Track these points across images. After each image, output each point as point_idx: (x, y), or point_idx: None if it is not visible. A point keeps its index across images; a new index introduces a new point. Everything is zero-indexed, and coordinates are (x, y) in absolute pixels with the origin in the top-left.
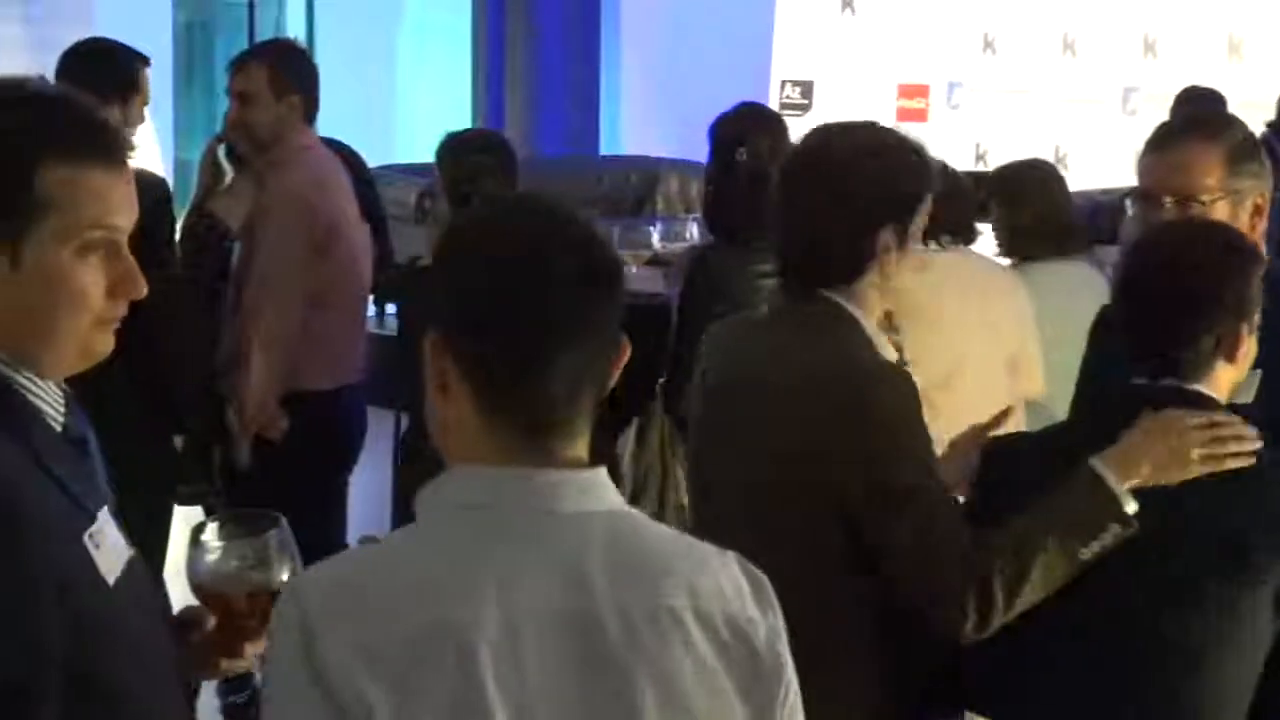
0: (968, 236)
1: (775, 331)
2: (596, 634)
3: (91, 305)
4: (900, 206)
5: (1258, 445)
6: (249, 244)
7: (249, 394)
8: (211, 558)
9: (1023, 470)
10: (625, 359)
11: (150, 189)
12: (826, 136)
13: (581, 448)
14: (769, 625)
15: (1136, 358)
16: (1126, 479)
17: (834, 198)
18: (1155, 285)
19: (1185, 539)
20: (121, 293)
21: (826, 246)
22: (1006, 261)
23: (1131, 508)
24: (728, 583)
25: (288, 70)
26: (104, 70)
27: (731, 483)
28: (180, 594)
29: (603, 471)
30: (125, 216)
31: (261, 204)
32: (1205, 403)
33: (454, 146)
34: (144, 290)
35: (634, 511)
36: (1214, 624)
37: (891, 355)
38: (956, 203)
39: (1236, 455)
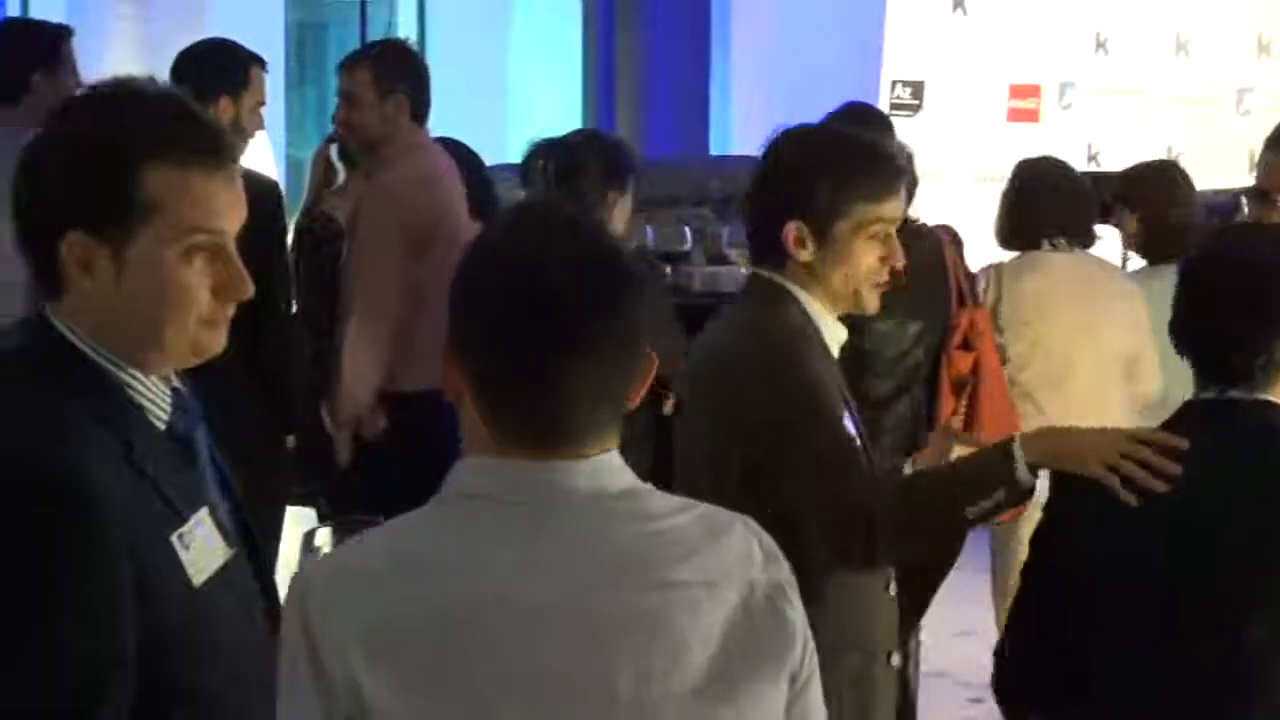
0: (1085, 240)
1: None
2: (601, 614)
3: (196, 307)
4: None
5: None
6: (350, 243)
7: (341, 392)
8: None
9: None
10: (651, 372)
11: (261, 190)
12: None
13: (607, 445)
14: (778, 587)
15: (1202, 366)
16: (1037, 453)
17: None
18: (1226, 289)
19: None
20: (227, 295)
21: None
22: (1140, 262)
23: (1025, 476)
24: (739, 548)
25: (392, 71)
26: (214, 69)
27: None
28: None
29: (614, 454)
30: (230, 219)
31: (360, 203)
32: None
33: (550, 147)
34: (250, 292)
35: (648, 488)
36: None
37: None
38: (1074, 204)
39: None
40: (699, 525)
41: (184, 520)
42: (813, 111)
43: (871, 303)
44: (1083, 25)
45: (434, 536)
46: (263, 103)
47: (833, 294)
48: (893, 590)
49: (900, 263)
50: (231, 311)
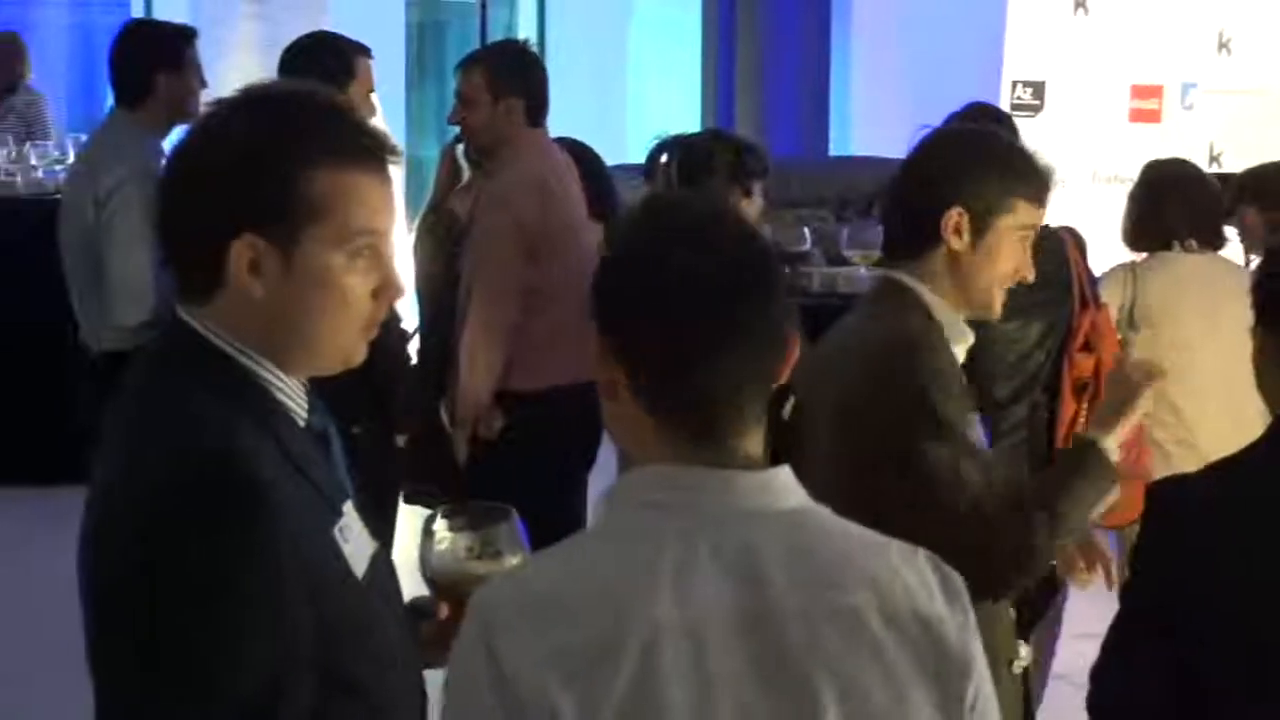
0: (1215, 242)
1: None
2: (776, 634)
3: (358, 309)
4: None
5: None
6: (467, 243)
7: (460, 391)
8: (444, 548)
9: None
10: (795, 354)
11: None
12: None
13: (754, 444)
14: (958, 622)
15: None
16: (1115, 444)
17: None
18: None
19: None
20: (385, 296)
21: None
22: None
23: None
24: (915, 579)
25: (506, 72)
26: (318, 60)
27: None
28: (408, 588)
29: (785, 470)
30: (388, 220)
31: (476, 205)
32: None
33: (676, 145)
34: (404, 293)
35: (819, 509)
36: None
37: (964, 338)
38: (1204, 206)
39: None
40: (872, 549)
41: (339, 514)
42: (933, 112)
43: (999, 307)
44: (1205, 25)
45: (615, 555)
46: (372, 89)
47: (970, 291)
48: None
49: (1030, 275)
50: (383, 315)
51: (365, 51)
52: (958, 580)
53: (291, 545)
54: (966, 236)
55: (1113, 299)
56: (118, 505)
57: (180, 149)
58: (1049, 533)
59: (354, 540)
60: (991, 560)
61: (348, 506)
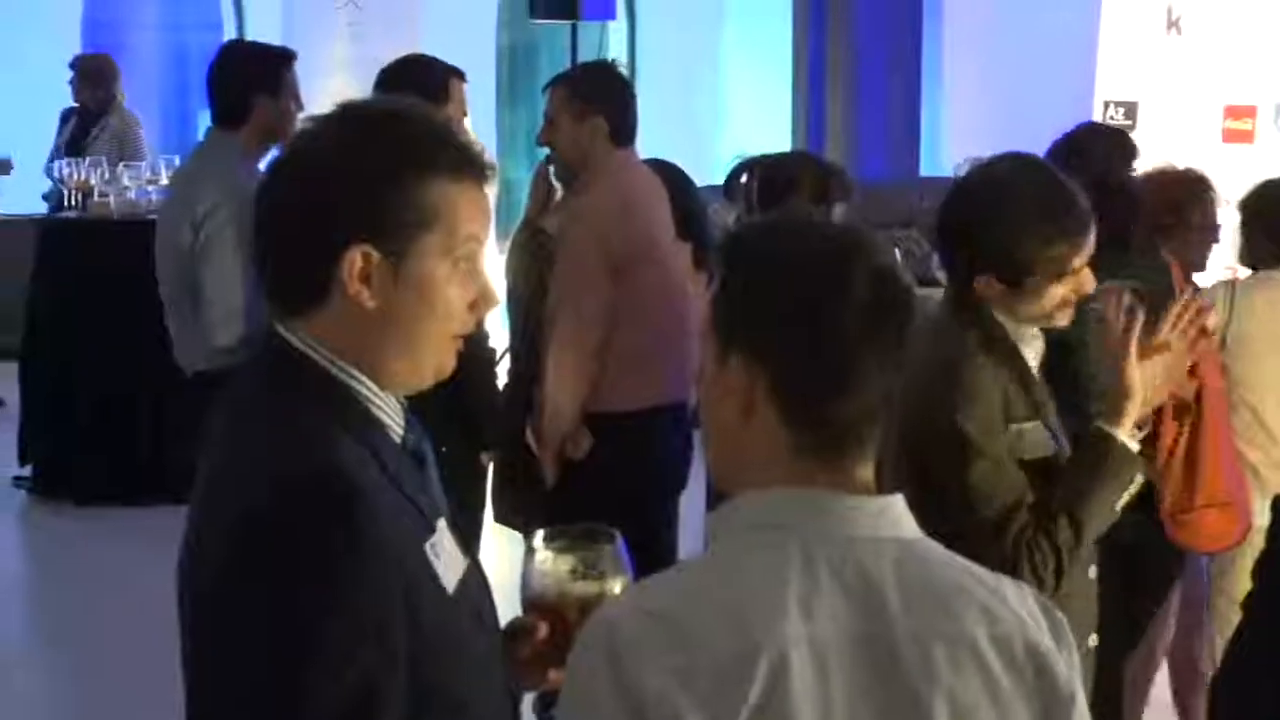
0: None
1: None
2: (893, 660)
3: (457, 319)
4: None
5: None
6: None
7: (545, 414)
8: (545, 569)
9: None
10: None
11: None
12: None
13: (871, 471)
14: (1064, 657)
15: None
16: (1129, 429)
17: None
18: None
19: None
20: (481, 306)
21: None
22: None
23: (1134, 446)
24: (1024, 611)
25: (589, 93)
26: (414, 83)
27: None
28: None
29: (899, 499)
30: (486, 232)
31: (560, 224)
32: None
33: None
34: (498, 303)
35: (929, 540)
36: None
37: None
38: None
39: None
40: (983, 580)
41: (433, 529)
42: (1024, 133)
43: (1065, 319)
44: None
45: (740, 576)
46: (465, 112)
47: (1022, 319)
48: (1092, 574)
49: (1090, 288)
50: (474, 327)
51: (459, 74)
52: (1062, 618)
53: (395, 559)
54: (1000, 292)
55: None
56: (218, 516)
57: (283, 162)
58: (1073, 538)
59: (445, 556)
60: (1019, 573)
61: (441, 523)
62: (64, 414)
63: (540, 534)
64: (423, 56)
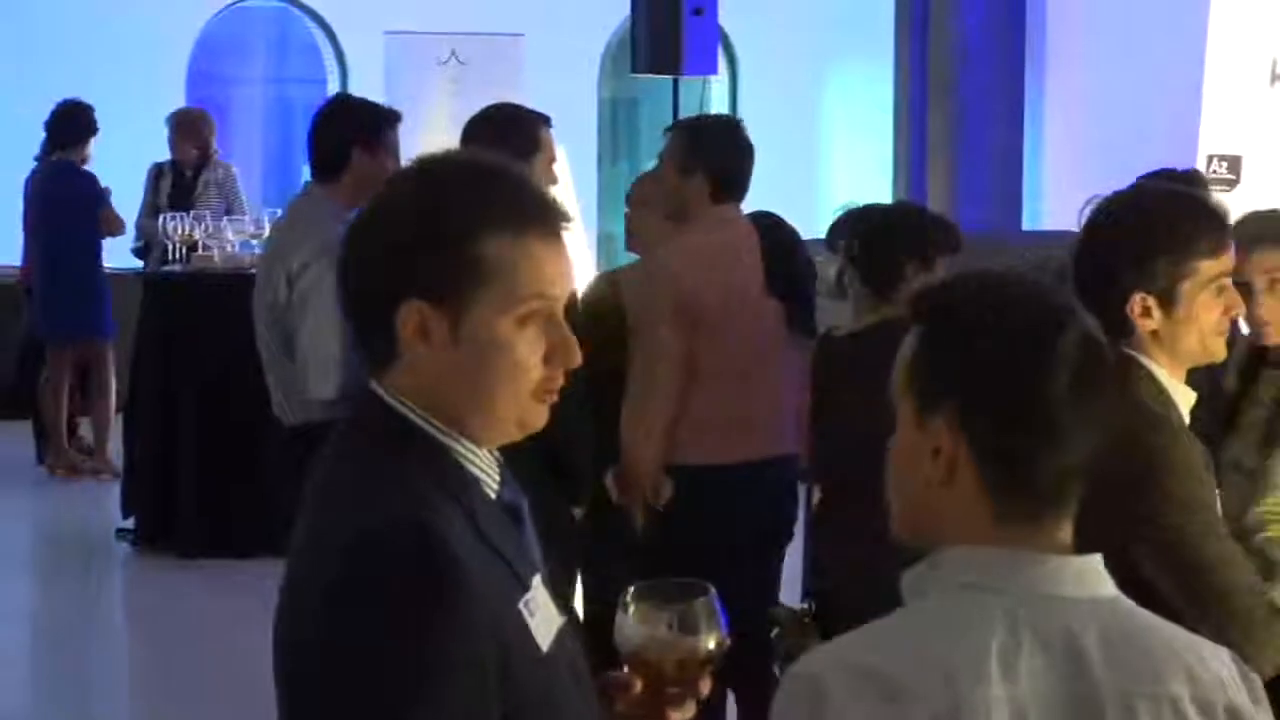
0: None
1: None
2: (1096, 717)
3: (529, 374)
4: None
5: None
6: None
7: (623, 460)
8: (640, 624)
9: None
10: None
11: None
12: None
13: (1069, 532)
14: (1252, 710)
15: None
16: None
17: None
18: None
19: None
20: (559, 361)
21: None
22: None
23: None
24: (1225, 673)
25: (697, 146)
26: (502, 133)
27: None
28: None
29: (1097, 558)
30: (562, 285)
31: (636, 278)
32: None
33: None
34: (579, 359)
35: (1127, 600)
36: None
37: (1187, 400)
38: None
39: None
40: (1185, 641)
41: (527, 588)
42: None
43: (1220, 350)
44: None
45: (944, 633)
46: (554, 159)
47: (1183, 354)
48: None
49: (1241, 310)
50: (561, 381)
51: (545, 121)
52: (1259, 681)
53: (485, 622)
54: (1157, 315)
55: None
56: (307, 575)
57: (357, 218)
58: None
59: (540, 614)
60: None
61: (536, 580)
62: (167, 467)
63: (634, 589)
64: (508, 107)
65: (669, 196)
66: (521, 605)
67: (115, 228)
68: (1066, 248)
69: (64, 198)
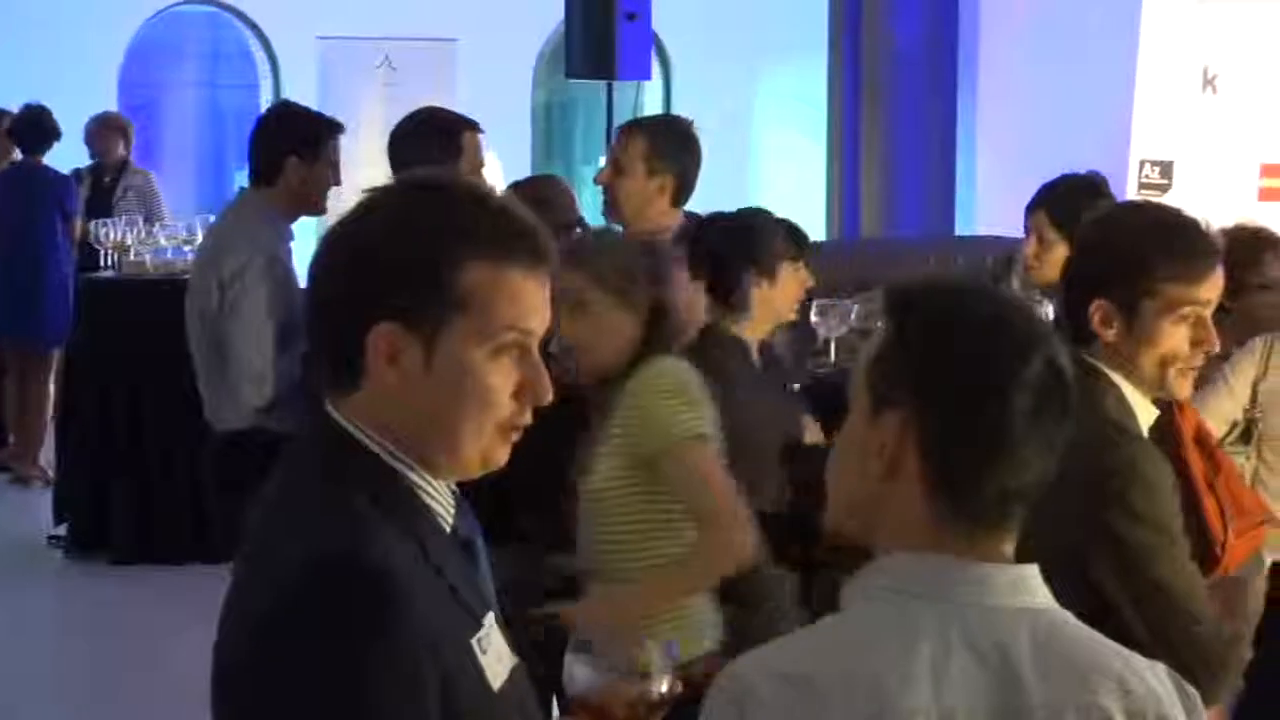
0: None
1: None
2: None
3: (499, 407)
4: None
5: None
6: None
7: None
8: (590, 668)
9: None
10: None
11: None
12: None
13: (1011, 545)
14: None
15: None
16: None
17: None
18: None
19: None
20: (529, 397)
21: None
22: None
23: None
24: (1157, 685)
25: (666, 148)
26: (425, 137)
27: None
28: None
29: (1032, 568)
30: (540, 320)
31: None
32: None
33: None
34: (549, 396)
35: (1061, 610)
36: None
37: (1149, 418)
38: None
39: None
40: (1116, 653)
41: (480, 624)
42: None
43: (1180, 389)
44: None
45: (871, 641)
46: (480, 165)
47: (1141, 377)
48: None
49: (1215, 347)
50: (527, 419)
51: (472, 126)
52: (1194, 692)
53: (430, 652)
54: (1116, 325)
55: (1244, 373)
56: (244, 607)
57: (332, 232)
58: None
59: (493, 651)
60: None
61: (489, 618)
62: (99, 473)
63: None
64: (433, 112)
65: (632, 196)
66: (474, 642)
67: (77, 235)
68: (1000, 253)
69: (36, 200)
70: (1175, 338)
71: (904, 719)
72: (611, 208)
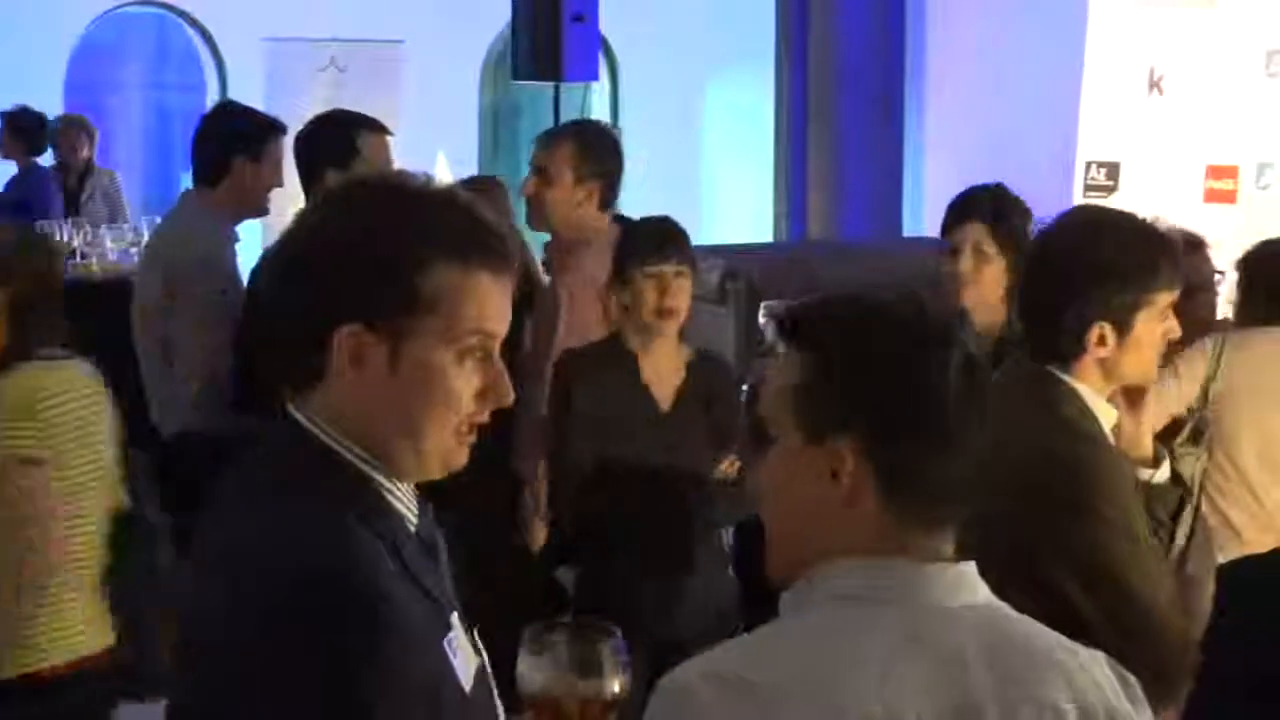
0: None
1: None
2: None
3: (461, 409)
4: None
5: None
6: (536, 327)
7: (550, 482)
8: (545, 665)
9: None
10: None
11: None
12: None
13: (951, 546)
14: (1131, 715)
15: None
16: None
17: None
18: None
19: None
20: (490, 399)
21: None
22: None
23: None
24: (1102, 677)
25: (591, 154)
26: (321, 143)
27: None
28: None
29: (970, 565)
30: (502, 323)
31: (554, 291)
32: None
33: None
34: (511, 398)
35: (1003, 604)
36: None
37: (1109, 419)
38: None
39: None
40: (1062, 646)
41: (449, 626)
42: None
43: (1153, 373)
44: None
45: (819, 645)
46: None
47: (1121, 378)
48: None
49: (1178, 334)
50: (485, 419)
51: (375, 126)
52: (1137, 684)
53: (418, 659)
54: (1111, 342)
55: (1195, 371)
56: (225, 634)
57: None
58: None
59: (461, 653)
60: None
61: (454, 618)
62: None
63: (536, 629)
64: (333, 115)
65: (561, 204)
66: (445, 644)
67: None
68: (941, 253)
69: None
70: (1157, 335)
71: None
72: (537, 216)
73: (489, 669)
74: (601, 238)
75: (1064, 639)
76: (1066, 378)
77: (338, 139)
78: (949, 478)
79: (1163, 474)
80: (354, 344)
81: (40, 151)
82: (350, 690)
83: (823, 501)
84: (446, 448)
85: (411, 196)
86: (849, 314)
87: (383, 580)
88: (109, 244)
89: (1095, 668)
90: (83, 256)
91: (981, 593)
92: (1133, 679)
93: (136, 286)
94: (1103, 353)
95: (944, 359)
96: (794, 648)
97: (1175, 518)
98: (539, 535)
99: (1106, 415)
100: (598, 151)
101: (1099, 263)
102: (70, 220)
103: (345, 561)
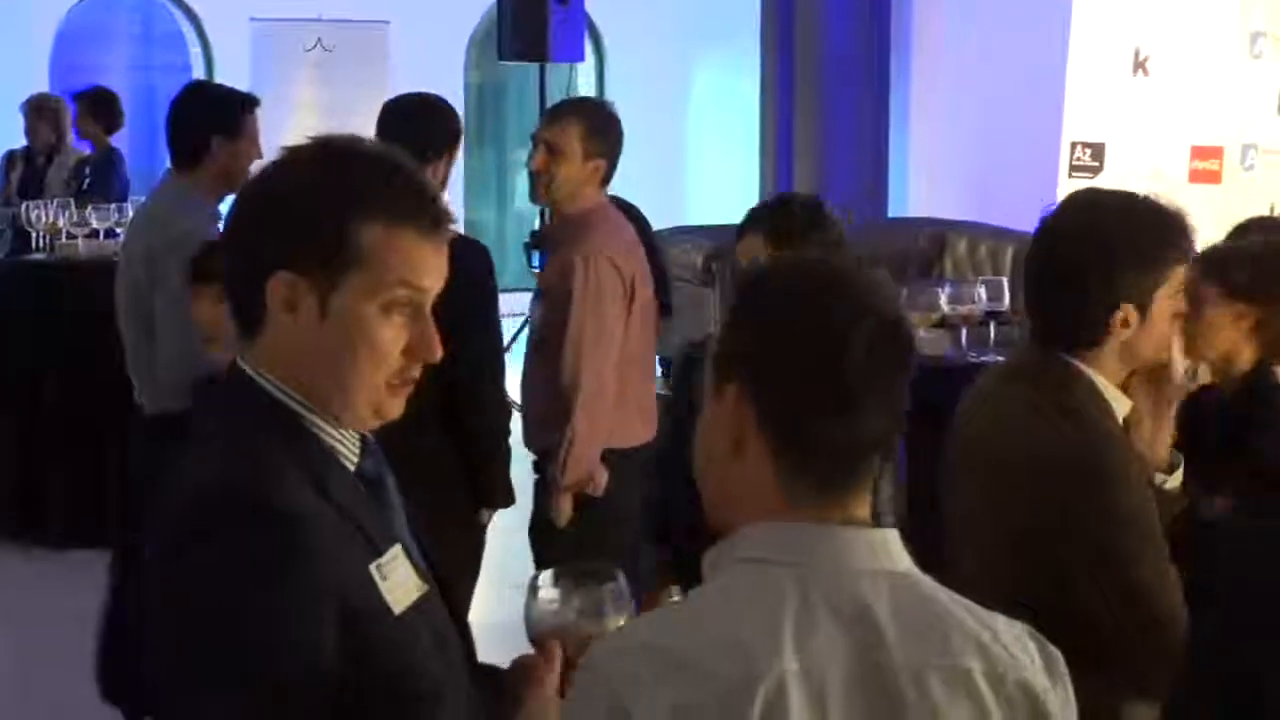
0: None
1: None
2: (890, 692)
3: (388, 361)
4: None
5: None
6: (551, 300)
7: (573, 453)
8: (548, 608)
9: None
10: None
11: (472, 252)
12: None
13: (865, 508)
14: (1060, 697)
15: None
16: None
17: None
18: None
19: None
20: (418, 354)
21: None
22: None
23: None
24: (1019, 649)
25: (599, 132)
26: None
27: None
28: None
29: (894, 533)
30: (433, 279)
31: (568, 262)
32: None
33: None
34: (439, 354)
35: (923, 575)
36: None
37: (1122, 409)
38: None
39: None
40: (978, 616)
41: (380, 553)
42: (992, 174)
43: (1167, 350)
44: (1265, 86)
45: (736, 610)
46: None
47: (1136, 360)
48: None
49: (1184, 308)
50: (416, 374)
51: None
52: (1059, 658)
53: (333, 576)
54: (1133, 324)
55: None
56: (155, 544)
57: (248, 184)
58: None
59: (394, 578)
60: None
61: (395, 549)
62: (29, 458)
63: (543, 574)
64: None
65: (567, 181)
66: (373, 568)
67: None
68: (932, 232)
69: None
70: (1169, 314)
71: (770, 682)
72: (543, 191)
73: (443, 599)
74: (601, 211)
75: (983, 611)
76: (1081, 365)
77: (445, 126)
78: (847, 439)
79: (1175, 480)
80: (286, 291)
81: (116, 130)
82: (254, 591)
83: (722, 453)
84: (377, 398)
85: (345, 156)
86: (777, 268)
87: (292, 500)
88: (94, 224)
89: (1012, 639)
90: (68, 237)
91: (902, 562)
92: (1056, 653)
93: (120, 267)
94: (1125, 334)
95: (849, 319)
96: (709, 613)
97: None
98: (566, 508)
99: (1121, 405)
100: (605, 130)
101: (1116, 245)
102: (55, 201)
103: (260, 487)
